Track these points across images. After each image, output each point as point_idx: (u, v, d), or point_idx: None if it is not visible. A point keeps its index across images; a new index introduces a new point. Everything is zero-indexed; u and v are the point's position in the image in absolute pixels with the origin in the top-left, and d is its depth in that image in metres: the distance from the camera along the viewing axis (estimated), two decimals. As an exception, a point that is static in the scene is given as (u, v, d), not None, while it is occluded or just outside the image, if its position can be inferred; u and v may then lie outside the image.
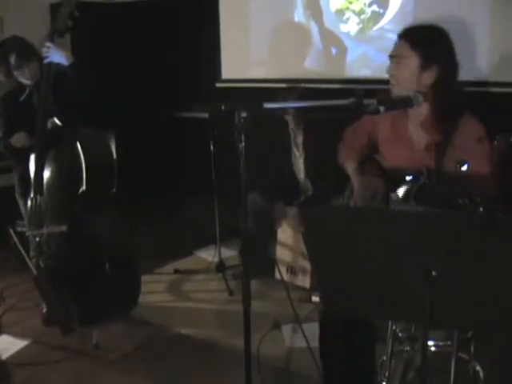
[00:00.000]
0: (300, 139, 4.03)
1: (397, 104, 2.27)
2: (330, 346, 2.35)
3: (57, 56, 3.32)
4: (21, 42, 3.61)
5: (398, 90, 2.33)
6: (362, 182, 2.44)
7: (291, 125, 4.02)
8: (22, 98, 3.58)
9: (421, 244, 1.56)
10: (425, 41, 2.30)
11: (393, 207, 2.17)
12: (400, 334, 2.47)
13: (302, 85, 4.22)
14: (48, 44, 3.33)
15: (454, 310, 1.63)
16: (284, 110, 3.81)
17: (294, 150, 4.07)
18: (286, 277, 3.96)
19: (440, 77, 2.28)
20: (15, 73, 3.55)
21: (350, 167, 2.54)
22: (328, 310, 1.98)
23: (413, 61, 2.28)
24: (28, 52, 3.53)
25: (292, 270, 3.97)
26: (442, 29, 2.35)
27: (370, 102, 2.05)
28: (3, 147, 3.78)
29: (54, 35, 3.33)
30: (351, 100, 2.01)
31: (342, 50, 4.77)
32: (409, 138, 2.42)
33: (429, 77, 2.28)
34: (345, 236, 1.66)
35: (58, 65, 3.34)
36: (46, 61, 3.32)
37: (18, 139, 3.59)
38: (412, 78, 2.29)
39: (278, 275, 3.91)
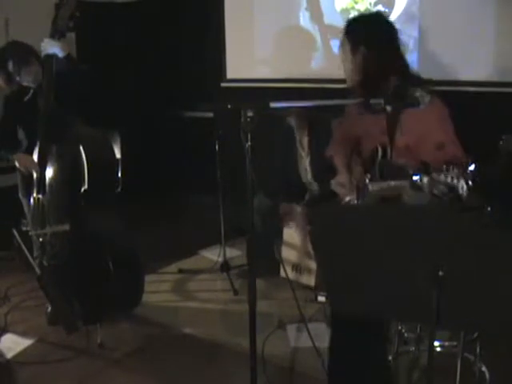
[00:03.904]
0: (305, 140, 4.02)
1: (404, 104, 2.28)
2: (340, 348, 2.34)
3: (52, 47, 3.26)
4: (18, 47, 3.58)
5: (347, 79, 2.43)
6: (347, 183, 2.48)
7: (294, 126, 4.01)
8: (26, 99, 3.57)
9: (428, 244, 1.56)
10: (352, 27, 2.43)
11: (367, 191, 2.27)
12: (406, 335, 2.47)
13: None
14: (44, 39, 3.28)
15: (461, 311, 1.62)
16: (289, 109, 3.81)
17: (300, 151, 4.06)
18: (291, 275, 3.96)
19: (368, 58, 2.35)
20: (17, 78, 3.54)
21: (338, 164, 2.58)
22: (335, 311, 1.97)
23: (346, 47, 2.41)
24: (26, 56, 3.50)
25: (297, 268, 3.97)
26: (374, 14, 2.53)
27: (377, 102, 2.06)
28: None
29: (55, 36, 3.31)
30: (358, 99, 2.01)
31: (347, 50, 4.76)
32: (370, 122, 2.46)
33: (357, 59, 2.37)
34: (352, 236, 1.65)
35: (58, 59, 3.29)
36: (43, 53, 3.28)
37: (19, 159, 3.57)
38: (348, 63, 2.40)
39: (283, 274, 3.91)
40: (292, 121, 4.00)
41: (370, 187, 2.22)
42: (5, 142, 3.71)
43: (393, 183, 2.10)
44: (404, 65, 2.41)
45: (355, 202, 2.35)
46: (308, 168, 4.05)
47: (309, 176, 4.06)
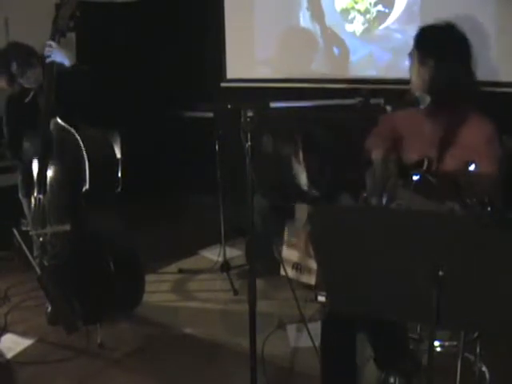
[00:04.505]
0: (300, 154, 4.00)
1: (403, 104, 2.28)
2: (332, 347, 2.34)
3: (59, 56, 3.28)
4: (21, 48, 3.57)
5: (412, 87, 2.36)
6: (378, 174, 2.43)
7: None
8: (27, 100, 3.56)
9: (428, 244, 1.56)
10: (422, 37, 2.35)
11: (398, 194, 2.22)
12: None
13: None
14: (50, 43, 3.28)
15: (461, 311, 1.63)
16: (289, 110, 3.80)
17: (296, 165, 4.05)
18: (292, 273, 3.96)
19: (437, 71, 2.27)
20: (19, 80, 3.53)
21: (376, 156, 2.52)
22: (333, 310, 1.97)
23: (415, 57, 2.33)
24: (29, 58, 3.50)
25: (298, 267, 3.97)
26: (447, 26, 2.37)
27: (377, 102, 2.05)
28: (8, 148, 3.78)
29: (56, 35, 3.31)
30: (358, 100, 2.01)
31: (348, 50, 4.76)
32: (422, 130, 2.41)
33: (426, 71, 2.29)
34: (352, 236, 1.65)
35: (60, 65, 3.32)
36: (48, 60, 3.28)
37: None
38: (415, 74, 2.33)
39: (283, 273, 3.91)
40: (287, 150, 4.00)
41: (401, 193, 2.16)
42: (14, 143, 3.72)
43: (428, 203, 2.01)
44: (473, 83, 2.32)
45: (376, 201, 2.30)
46: (305, 179, 4.03)
47: (306, 186, 4.04)
